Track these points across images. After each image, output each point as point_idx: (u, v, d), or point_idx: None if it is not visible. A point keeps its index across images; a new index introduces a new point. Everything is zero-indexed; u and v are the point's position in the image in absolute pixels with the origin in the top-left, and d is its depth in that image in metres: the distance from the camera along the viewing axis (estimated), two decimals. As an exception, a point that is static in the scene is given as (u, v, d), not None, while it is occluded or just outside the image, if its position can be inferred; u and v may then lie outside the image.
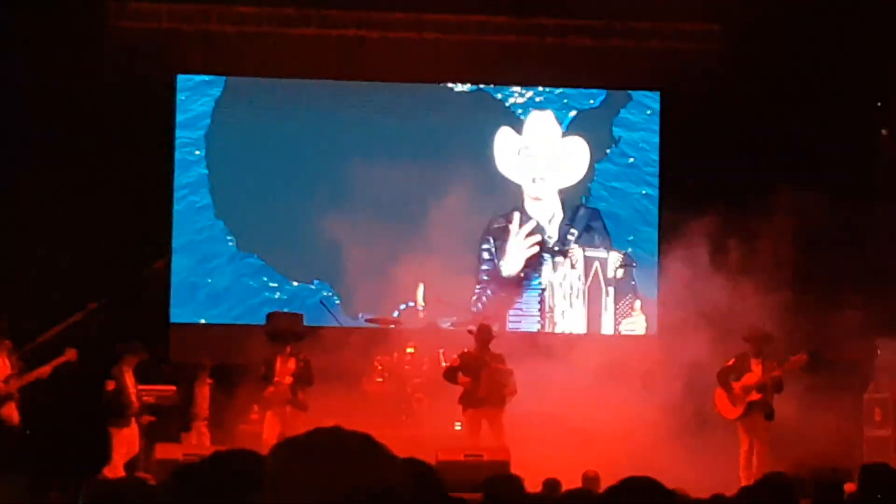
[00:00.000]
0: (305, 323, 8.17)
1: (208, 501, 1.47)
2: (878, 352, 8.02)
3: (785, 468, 6.45)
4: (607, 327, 9.56)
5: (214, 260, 8.92)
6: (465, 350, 8.44)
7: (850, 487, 5.22)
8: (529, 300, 9.66)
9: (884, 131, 8.43)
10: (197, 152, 8.82)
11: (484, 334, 8.40)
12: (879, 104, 8.41)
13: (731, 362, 8.17)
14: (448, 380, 8.40)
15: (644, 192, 9.34)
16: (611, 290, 9.54)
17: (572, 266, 9.66)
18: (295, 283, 9.00)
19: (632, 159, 9.34)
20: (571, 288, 9.62)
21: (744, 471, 7.84)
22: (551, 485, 6.15)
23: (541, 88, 9.19)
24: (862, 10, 8.22)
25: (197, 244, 8.92)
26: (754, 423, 8.16)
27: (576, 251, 9.59)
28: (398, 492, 0.93)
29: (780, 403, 8.02)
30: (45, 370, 7.74)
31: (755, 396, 8.08)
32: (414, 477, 1.98)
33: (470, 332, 8.56)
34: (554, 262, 9.61)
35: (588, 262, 9.55)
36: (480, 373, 8.27)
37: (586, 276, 9.58)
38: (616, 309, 9.53)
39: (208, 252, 8.95)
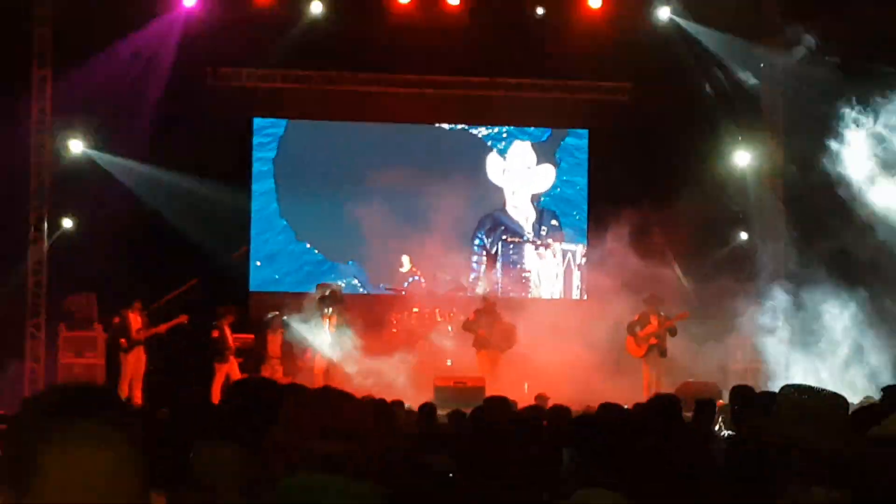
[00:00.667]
0: (344, 291, 10.29)
1: (243, 413, 2.08)
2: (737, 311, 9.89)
3: (674, 391, 8.38)
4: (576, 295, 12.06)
5: (280, 247, 11.23)
6: (478, 308, 10.23)
7: (720, 403, 6.60)
8: (515, 276, 11.96)
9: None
10: (266, 170, 11.14)
11: (494, 299, 10.41)
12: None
13: (636, 317, 10.00)
14: (467, 329, 10.18)
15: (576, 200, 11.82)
16: (577, 272, 11.84)
17: (553, 256, 12.00)
18: (335, 262, 11.19)
19: (567, 176, 11.73)
20: (552, 270, 12.02)
21: (646, 392, 9.38)
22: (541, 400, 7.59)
23: (506, 127, 11.57)
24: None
25: (268, 236, 11.21)
26: (653, 360, 9.95)
27: (555, 245, 11.89)
28: (362, 435, 1.47)
29: (672, 345, 9.85)
30: (163, 328, 9.85)
31: (653, 341, 9.92)
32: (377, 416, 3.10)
33: (485, 298, 10.42)
34: (538, 253, 11.94)
35: (563, 252, 11.93)
36: (493, 326, 10.10)
37: (563, 263, 11.99)
38: (581, 285, 11.83)
39: (275, 241, 11.25)
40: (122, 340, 9.59)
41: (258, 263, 11.23)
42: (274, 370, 9.87)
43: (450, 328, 10.82)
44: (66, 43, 9.88)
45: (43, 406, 0.93)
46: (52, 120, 10.12)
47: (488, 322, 10.08)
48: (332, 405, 1.67)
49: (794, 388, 2.31)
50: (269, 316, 9.86)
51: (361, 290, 11.22)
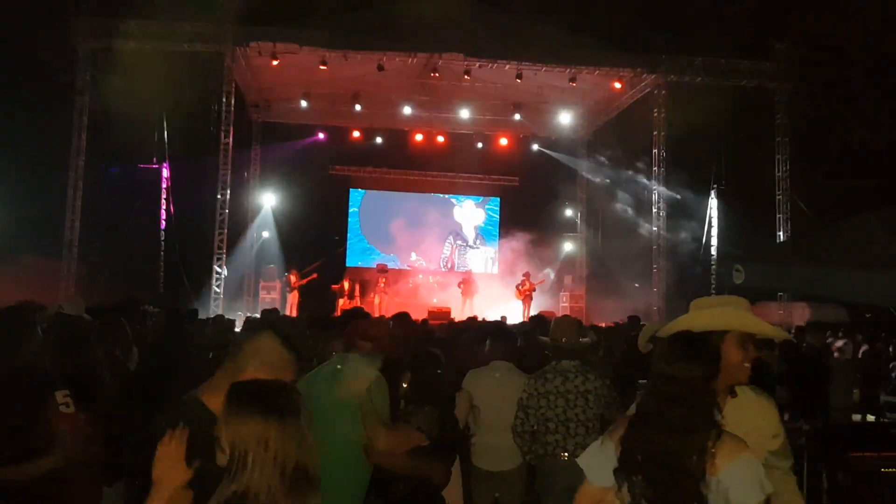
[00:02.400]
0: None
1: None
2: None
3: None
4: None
5: (360, 245, 22.21)
6: (462, 279, 20.83)
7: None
8: (463, 261, 23.04)
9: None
10: (355, 211, 22.27)
11: (470, 279, 21.05)
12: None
13: (520, 281, 21.00)
14: (460, 287, 20.70)
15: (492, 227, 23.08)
16: (492, 260, 23.09)
17: (482, 252, 23.31)
18: (383, 253, 22.29)
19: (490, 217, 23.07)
20: (481, 258, 23.19)
21: (525, 317, 20.71)
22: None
23: (463, 196, 22.91)
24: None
25: (356, 242, 22.23)
26: (526, 301, 20.84)
27: (483, 247, 23.13)
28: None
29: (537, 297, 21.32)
30: (304, 281, 20.66)
31: (527, 292, 21.02)
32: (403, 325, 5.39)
33: (460, 283, 20.75)
34: (476, 250, 23.20)
35: (486, 251, 23.28)
36: (469, 287, 20.65)
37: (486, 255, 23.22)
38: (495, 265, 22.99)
39: (359, 242, 22.21)
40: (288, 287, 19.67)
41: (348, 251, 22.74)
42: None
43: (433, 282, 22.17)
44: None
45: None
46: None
47: (467, 285, 20.61)
48: (367, 321, 3.78)
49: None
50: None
51: (395, 266, 22.31)
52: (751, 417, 2.68)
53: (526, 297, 20.53)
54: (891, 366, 11.45)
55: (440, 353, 4.08)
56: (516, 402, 4.73)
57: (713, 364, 2.44)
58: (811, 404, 7.41)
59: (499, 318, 14.83)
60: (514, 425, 4.69)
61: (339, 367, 3.38)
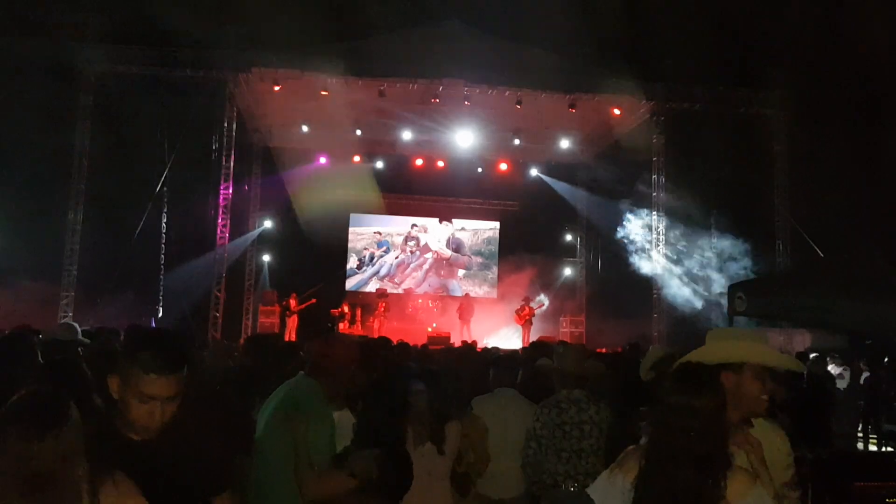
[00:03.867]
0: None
1: None
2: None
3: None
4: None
5: (360, 269, 22.18)
6: (461, 304, 20.85)
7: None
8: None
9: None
10: (354, 233, 22.27)
11: (467, 302, 21.20)
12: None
13: (520, 305, 20.73)
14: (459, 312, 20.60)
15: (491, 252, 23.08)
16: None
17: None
18: (384, 277, 22.26)
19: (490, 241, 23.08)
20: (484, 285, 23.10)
21: (524, 342, 20.54)
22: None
23: (463, 220, 22.87)
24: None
25: (355, 266, 22.19)
26: (526, 326, 20.77)
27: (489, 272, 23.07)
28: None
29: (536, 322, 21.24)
30: (303, 306, 20.62)
31: (527, 316, 21.05)
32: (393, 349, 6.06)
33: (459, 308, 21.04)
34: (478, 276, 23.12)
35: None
36: (466, 311, 20.55)
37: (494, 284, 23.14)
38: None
39: (358, 266, 22.19)
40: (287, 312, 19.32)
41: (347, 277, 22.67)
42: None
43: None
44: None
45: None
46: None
47: (465, 308, 20.64)
48: (334, 343, 3.49)
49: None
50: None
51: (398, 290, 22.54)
52: (767, 449, 2.66)
53: (525, 322, 20.46)
54: (892, 393, 11.37)
55: (423, 387, 3.95)
56: (524, 431, 4.67)
57: (721, 395, 2.43)
58: (815, 432, 7.35)
59: (497, 346, 14.81)
60: (526, 455, 4.63)
61: (283, 395, 3.31)
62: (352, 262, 22.46)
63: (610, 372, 8.06)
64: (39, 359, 3.62)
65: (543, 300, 21.04)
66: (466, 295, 21.38)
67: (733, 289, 5.21)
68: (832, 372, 10.56)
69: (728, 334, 2.97)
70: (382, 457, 3.32)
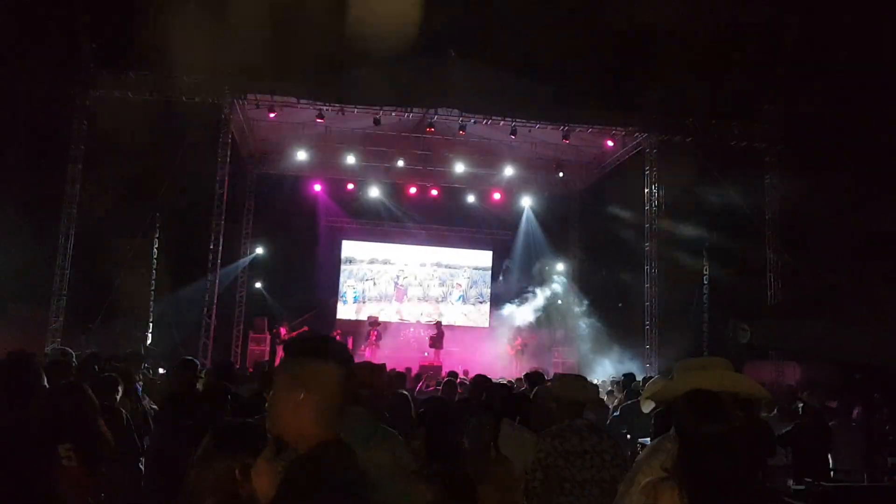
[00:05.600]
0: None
1: None
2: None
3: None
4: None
5: (351, 297, 22.10)
6: (434, 332, 20.86)
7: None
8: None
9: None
10: (347, 261, 22.24)
11: (439, 331, 21.19)
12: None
13: (513, 336, 21.04)
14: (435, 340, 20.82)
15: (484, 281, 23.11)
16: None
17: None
18: (375, 306, 22.19)
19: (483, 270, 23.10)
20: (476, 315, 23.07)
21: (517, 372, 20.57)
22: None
23: (452, 249, 22.92)
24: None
25: (347, 294, 22.14)
26: (518, 357, 20.91)
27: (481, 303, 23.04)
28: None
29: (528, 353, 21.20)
30: (294, 334, 20.57)
31: (519, 347, 21.03)
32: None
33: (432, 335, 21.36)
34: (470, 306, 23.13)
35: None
36: (438, 339, 20.87)
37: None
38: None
39: (350, 294, 22.13)
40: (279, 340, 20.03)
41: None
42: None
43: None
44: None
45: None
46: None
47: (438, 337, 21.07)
48: (365, 372, 3.51)
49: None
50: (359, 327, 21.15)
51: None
52: None
53: (518, 353, 20.49)
54: (888, 427, 11.34)
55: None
56: (527, 460, 4.65)
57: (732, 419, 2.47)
58: (814, 466, 7.35)
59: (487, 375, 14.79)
60: (530, 486, 4.61)
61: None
62: (343, 292, 22.42)
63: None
64: (45, 383, 3.61)
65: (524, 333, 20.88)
66: (438, 323, 20.89)
67: (735, 320, 5.26)
68: (832, 405, 10.57)
69: (697, 365, 3.04)
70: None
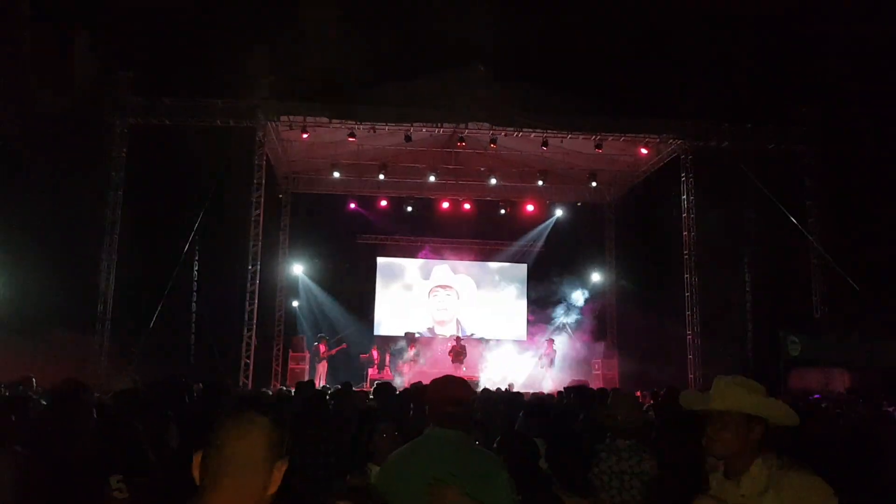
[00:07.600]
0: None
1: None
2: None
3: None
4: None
5: (388, 313, 22.18)
6: (452, 346, 20.29)
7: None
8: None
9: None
10: (383, 277, 22.35)
11: (458, 345, 20.63)
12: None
13: (546, 347, 21.06)
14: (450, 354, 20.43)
15: (519, 293, 22.99)
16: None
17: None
18: (412, 322, 22.24)
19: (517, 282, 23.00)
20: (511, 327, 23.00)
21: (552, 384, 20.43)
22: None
23: (486, 262, 22.87)
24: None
25: (384, 310, 22.23)
26: (548, 369, 20.42)
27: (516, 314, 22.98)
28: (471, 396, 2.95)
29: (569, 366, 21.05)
30: (333, 351, 20.73)
31: (547, 360, 20.60)
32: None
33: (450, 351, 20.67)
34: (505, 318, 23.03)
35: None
36: (458, 353, 20.29)
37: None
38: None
39: (387, 311, 22.20)
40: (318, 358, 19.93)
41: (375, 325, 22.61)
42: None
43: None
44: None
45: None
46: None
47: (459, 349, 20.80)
48: (450, 385, 2.86)
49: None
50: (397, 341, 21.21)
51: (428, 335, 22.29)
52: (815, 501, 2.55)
53: (549, 364, 20.30)
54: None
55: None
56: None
57: None
58: (865, 481, 7.13)
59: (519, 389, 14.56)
60: None
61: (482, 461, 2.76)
62: (380, 308, 22.47)
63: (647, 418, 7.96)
64: (94, 415, 3.68)
65: (552, 347, 20.55)
66: (457, 338, 20.67)
67: (784, 332, 5.15)
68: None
69: (733, 382, 2.82)
70: None
